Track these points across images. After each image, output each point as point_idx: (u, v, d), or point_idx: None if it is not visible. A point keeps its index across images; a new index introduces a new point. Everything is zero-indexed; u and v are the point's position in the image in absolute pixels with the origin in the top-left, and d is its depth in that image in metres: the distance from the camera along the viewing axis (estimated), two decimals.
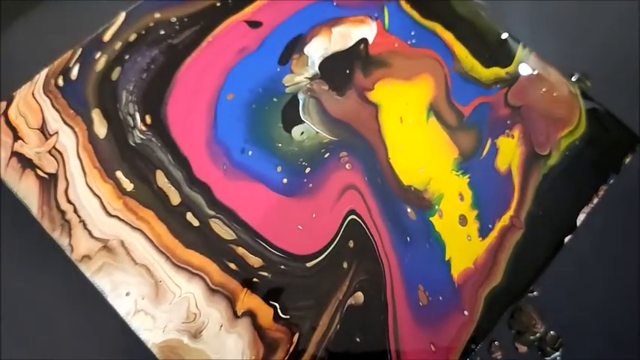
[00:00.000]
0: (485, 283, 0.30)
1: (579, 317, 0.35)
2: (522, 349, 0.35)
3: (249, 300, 0.28)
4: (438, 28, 0.36)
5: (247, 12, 0.35)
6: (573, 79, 0.42)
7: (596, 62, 0.42)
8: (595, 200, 0.32)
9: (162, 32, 0.34)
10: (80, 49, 0.33)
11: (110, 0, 0.37)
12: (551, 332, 0.35)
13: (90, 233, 0.29)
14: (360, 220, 0.30)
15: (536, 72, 0.35)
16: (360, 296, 0.29)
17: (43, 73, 0.33)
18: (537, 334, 0.35)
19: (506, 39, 0.36)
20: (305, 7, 0.36)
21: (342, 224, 0.30)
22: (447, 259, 0.30)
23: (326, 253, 0.30)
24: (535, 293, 0.36)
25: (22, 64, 0.37)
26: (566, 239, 0.31)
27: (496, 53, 0.35)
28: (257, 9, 0.35)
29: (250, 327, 0.28)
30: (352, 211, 0.31)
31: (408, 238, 0.30)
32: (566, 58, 0.40)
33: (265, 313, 0.28)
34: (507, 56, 0.35)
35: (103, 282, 0.28)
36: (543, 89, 0.35)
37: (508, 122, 0.33)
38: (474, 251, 0.30)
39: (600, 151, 0.34)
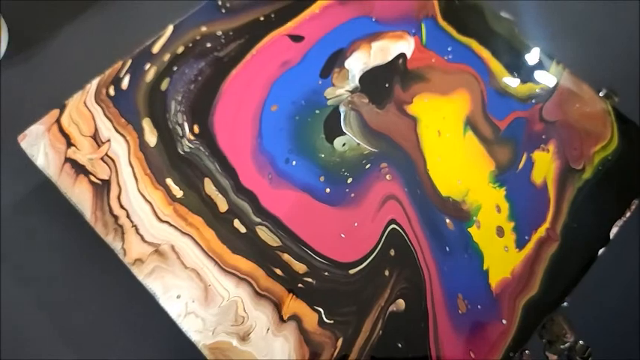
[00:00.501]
0: (523, 292, 0.31)
1: (608, 328, 0.36)
2: (552, 357, 0.36)
3: (294, 305, 0.29)
4: (474, 44, 0.37)
5: (289, 26, 0.36)
6: (601, 94, 0.43)
7: (623, 78, 0.43)
8: (628, 214, 0.33)
9: (208, 45, 0.35)
10: (130, 60, 0.35)
11: (157, 13, 0.39)
12: (581, 342, 0.36)
13: (142, 238, 0.30)
14: (400, 230, 0.31)
15: (569, 88, 0.36)
16: (401, 303, 0.30)
17: (95, 82, 0.34)
18: (567, 344, 0.36)
19: (539, 56, 0.37)
20: (345, 23, 0.37)
21: (383, 233, 0.31)
22: (485, 268, 0.31)
23: (368, 261, 0.31)
24: (565, 304, 0.37)
25: (70, 73, 0.38)
26: (600, 251, 0.32)
27: (531, 69, 0.36)
28: (299, 24, 0.36)
29: (296, 331, 0.29)
30: (393, 221, 0.32)
31: (447, 248, 0.31)
32: (593, 74, 0.42)
33: (310, 318, 0.29)
34: (542, 72, 0.36)
35: (154, 285, 0.29)
36: (577, 105, 0.36)
37: (543, 137, 0.34)
38: (511, 262, 0.31)
39: (632, 165, 0.34)
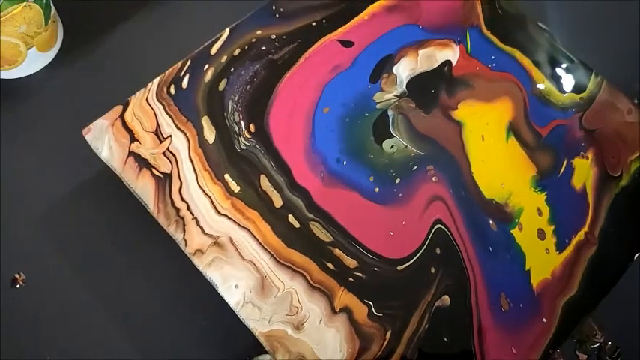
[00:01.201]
0: (563, 293, 0.32)
1: (637, 330, 0.38)
2: (582, 357, 0.37)
3: (345, 297, 0.31)
4: (517, 54, 0.38)
5: (340, 32, 0.38)
6: (636, 101, 0.45)
7: None
8: None
9: (263, 48, 0.37)
10: (189, 61, 0.36)
11: (213, 15, 0.41)
12: (610, 343, 0.38)
13: (202, 230, 0.32)
14: (446, 230, 0.33)
15: (608, 99, 0.37)
16: (446, 299, 0.31)
17: (156, 81, 0.36)
18: (597, 344, 0.38)
19: (580, 66, 0.38)
20: (393, 29, 0.38)
21: (429, 232, 0.33)
22: (527, 269, 0.32)
23: (415, 258, 0.32)
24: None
25: (132, 71, 0.40)
26: (636, 256, 0.34)
27: (571, 79, 0.38)
28: (349, 29, 0.38)
29: (347, 322, 0.31)
30: (439, 221, 0.33)
31: (491, 248, 0.33)
32: (630, 85, 0.43)
33: (360, 310, 0.31)
34: (581, 83, 0.38)
35: (214, 275, 0.31)
36: (615, 115, 0.37)
37: (583, 144, 0.36)
38: (551, 263, 0.33)
39: None
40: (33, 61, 0.40)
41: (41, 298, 0.34)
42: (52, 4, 0.39)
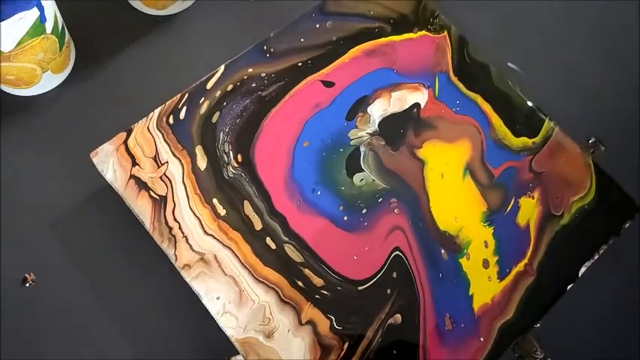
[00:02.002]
0: (500, 316, 0.37)
1: (574, 349, 0.43)
2: None
3: (311, 312, 0.36)
4: (479, 100, 0.43)
5: (323, 72, 0.43)
6: (590, 141, 0.49)
7: (613, 129, 0.49)
8: (595, 256, 0.40)
9: (253, 85, 0.42)
10: (187, 94, 0.41)
11: (212, 49, 0.46)
12: (549, 359, 0.43)
13: (191, 247, 0.37)
14: (402, 256, 0.38)
15: (558, 144, 0.42)
16: (398, 317, 0.36)
17: (157, 111, 0.41)
18: None
19: (535, 112, 0.43)
20: (371, 72, 0.43)
21: (388, 258, 0.38)
22: (470, 294, 0.37)
23: (374, 280, 0.37)
24: (538, 325, 0.43)
25: (137, 93, 0.45)
26: (569, 287, 0.39)
27: (526, 125, 0.43)
28: (331, 71, 0.43)
29: (311, 333, 0.36)
30: (397, 248, 0.38)
31: (440, 274, 0.38)
32: (585, 124, 0.48)
33: (324, 324, 0.36)
34: (535, 128, 0.43)
35: (199, 287, 0.36)
36: (563, 159, 0.42)
37: (530, 185, 0.41)
38: (492, 290, 0.38)
39: (605, 215, 0.41)
40: (47, 82, 0.45)
41: (48, 296, 0.39)
42: (66, 31, 0.44)
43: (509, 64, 0.52)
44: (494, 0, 0.53)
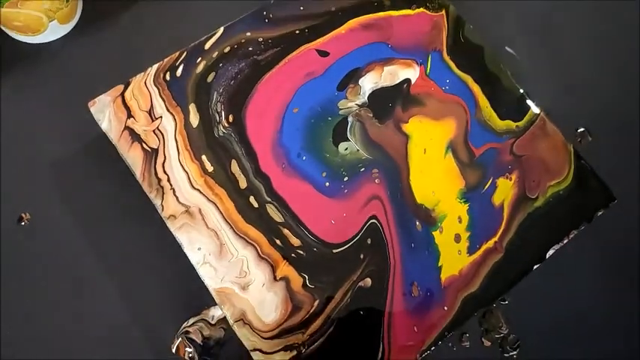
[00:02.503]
0: (465, 288, 0.39)
1: (538, 327, 0.45)
2: (487, 343, 0.44)
3: (286, 269, 0.38)
4: (469, 80, 0.44)
5: (319, 42, 0.44)
6: (579, 130, 0.51)
7: (604, 122, 0.51)
8: (565, 240, 0.41)
9: (250, 49, 0.43)
10: (185, 52, 0.42)
11: (213, 11, 0.47)
12: (513, 335, 0.45)
13: (177, 199, 0.39)
14: (378, 224, 0.40)
15: (541, 130, 0.43)
16: (368, 281, 0.38)
17: (155, 67, 0.42)
18: (501, 334, 0.45)
19: (523, 97, 0.44)
20: (365, 45, 0.44)
21: (364, 225, 0.40)
22: (439, 265, 0.39)
23: (349, 245, 0.39)
24: (506, 302, 0.45)
25: (131, 50, 0.46)
26: (535, 267, 0.40)
27: (512, 109, 0.44)
28: (327, 41, 0.44)
29: (284, 289, 0.38)
30: (374, 217, 0.40)
31: (413, 244, 0.39)
32: (577, 114, 0.49)
33: (297, 281, 0.38)
34: (520, 113, 0.44)
35: (182, 237, 0.38)
36: (544, 144, 0.43)
37: (509, 167, 0.42)
38: (461, 263, 0.39)
39: (579, 202, 0.42)
40: (53, 31, 0.47)
41: (41, 236, 0.41)
42: None
43: (506, 47, 0.53)
44: None
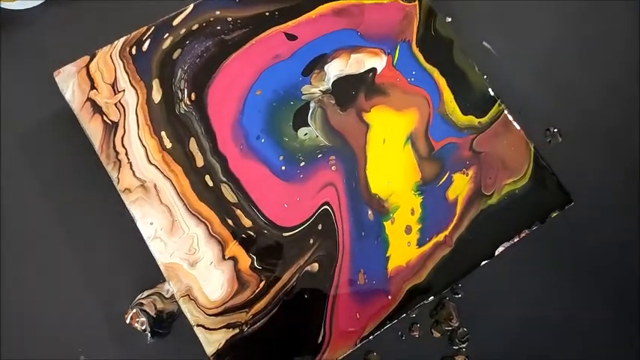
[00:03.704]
0: (411, 279, 0.40)
1: (487, 322, 0.45)
2: (436, 335, 0.45)
3: (235, 249, 0.39)
4: (436, 73, 0.44)
5: (288, 25, 0.44)
6: (550, 130, 0.51)
7: (577, 124, 0.51)
8: (516, 239, 0.42)
9: (218, 28, 0.43)
10: (153, 27, 0.43)
11: None
12: (463, 329, 0.45)
13: (134, 173, 0.39)
14: (331, 211, 0.40)
15: (504, 127, 0.43)
16: (315, 266, 0.39)
17: (122, 40, 0.42)
18: (451, 327, 0.45)
19: (489, 93, 0.44)
20: (334, 32, 0.44)
21: (317, 210, 0.40)
22: (387, 255, 0.40)
23: (300, 229, 0.40)
24: (459, 295, 0.46)
25: (101, 29, 0.46)
26: (483, 263, 0.41)
27: (475, 104, 0.44)
28: (296, 24, 0.44)
29: (232, 268, 0.38)
30: (327, 203, 0.40)
31: (363, 233, 0.40)
32: (550, 115, 0.49)
33: (245, 261, 0.39)
34: (484, 109, 0.44)
35: (136, 211, 0.39)
36: (505, 142, 0.43)
37: (467, 162, 0.42)
38: (409, 254, 0.40)
39: (534, 201, 0.42)
40: None
41: (7, 202, 0.42)
42: None
43: (484, 42, 0.53)
44: None
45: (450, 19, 0.52)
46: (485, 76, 0.50)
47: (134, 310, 0.42)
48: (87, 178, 0.43)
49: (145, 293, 0.43)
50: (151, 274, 0.41)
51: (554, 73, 0.52)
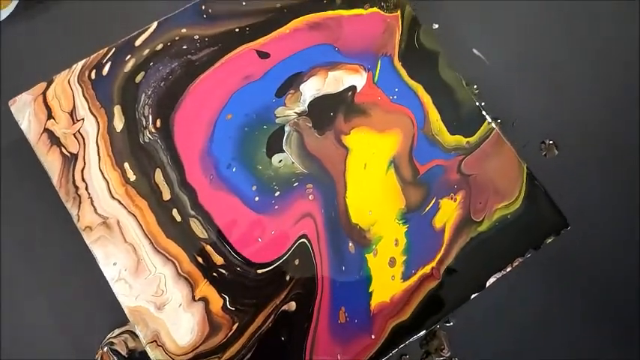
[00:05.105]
0: (395, 317, 0.37)
1: (481, 352, 0.43)
2: None
3: (206, 289, 0.36)
4: (420, 90, 0.41)
5: (260, 42, 0.41)
6: (546, 142, 0.48)
7: (575, 135, 0.48)
8: (508, 269, 0.39)
9: (184, 47, 0.40)
10: (114, 49, 0.40)
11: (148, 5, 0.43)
12: (455, 359, 0.43)
13: (95, 209, 0.37)
14: (308, 244, 0.37)
15: (494, 146, 0.40)
16: (293, 305, 0.36)
17: (80, 64, 0.39)
18: (443, 357, 0.43)
19: (478, 110, 0.41)
20: (310, 47, 0.41)
21: (293, 244, 0.37)
22: (370, 290, 0.37)
23: (275, 265, 0.37)
24: (451, 324, 0.43)
25: (59, 52, 0.43)
26: (473, 296, 0.38)
27: (463, 122, 0.41)
28: (268, 41, 0.41)
29: (203, 310, 0.36)
30: (304, 235, 0.37)
31: (344, 268, 0.37)
32: (546, 125, 0.46)
33: (216, 302, 0.36)
34: (473, 127, 0.41)
35: (98, 251, 0.36)
36: (495, 163, 0.40)
37: (455, 186, 0.39)
38: (393, 289, 0.37)
39: (527, 227, 0.39)
40: None
41: None
42: None
43: (474, 50, 0.49)
44: None
45: (436, 26, 0.49)
46: (475, 86, 0.47)
47: (104, 350, 0.40)
48: (51, 210, 0.40)
49: (116, 331, 0.41)
50: (122, 310, 0.39)
51: (550, 82, 0.49)
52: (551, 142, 0.48)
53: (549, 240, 0.40)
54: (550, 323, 0.43)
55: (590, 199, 0.46)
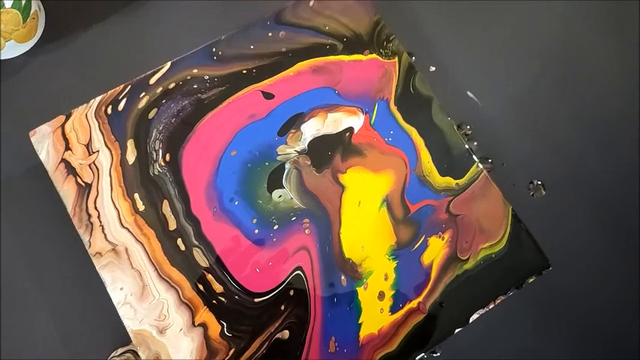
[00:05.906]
0: (382, 348, 0.39)
1: None
2: None
3: (206, 315, 0.39)
4: (414, 133, 0.43)
5: (265, 83, 0.44)
6: (534, 183, 0.50)
7: (562, 177, 0.50)
8: (491, 305, 0.41)
9: (195, 86, 0.43)
10: (129, 86, 0.42)
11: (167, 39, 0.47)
12: None
13: (105, 236, 0.39)
14: (303, 276, 0.40)
15: (482, 189, 0.43)
16: (286, 333, 0.39)
17: (98, 99, 0.42)
18: None
19: (467, 153, 0.43)
20: (311, 90, 0.44)
21: (289, 275, 0.40)
22: (359, 322, 0.39)
23: (271, 295, 0.39)
24: (438, 354, 0.46)
25: (76, 86, 0.46)
26: (456, 330, 0.40)
27: (454, 165, 0.43)
28: (273, 83, 0.44)
29: (202, 335, 0.38)
30: (299, 268, 0.40)
31: (335, 299, 0.40)
32: (534, 166, 0.48)
33: (215, 328, 0.38)
34: (462, 170, 0.43)
35: (106, 275, 0.39)
36: (482, 205, 0.43)
37: (443, 226, 0.42)
38: (381, 321, 0.40)
39: (511, 266, 0.42)
40: (10, 50, 0.47)
41: None
42: (31, 4, 0.45)
43: (468, 92, 0.52)
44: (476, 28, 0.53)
45: (433, 69, 0.52)
46: (468, 127, 0.50)
47: None
48: (65, 232, 0.43)
49: (120, 350, 0.43)
50: (125, 330, 0.41)
51: (540, 125, 0.52)
52: (539, 182, 0.51)
53: (531, 280, 0.42)
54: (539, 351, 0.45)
55: (574, 240, 0.48)
